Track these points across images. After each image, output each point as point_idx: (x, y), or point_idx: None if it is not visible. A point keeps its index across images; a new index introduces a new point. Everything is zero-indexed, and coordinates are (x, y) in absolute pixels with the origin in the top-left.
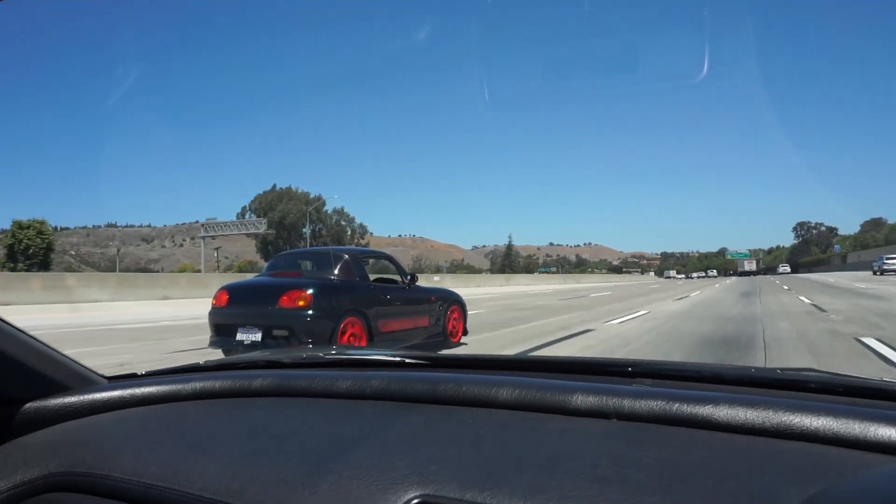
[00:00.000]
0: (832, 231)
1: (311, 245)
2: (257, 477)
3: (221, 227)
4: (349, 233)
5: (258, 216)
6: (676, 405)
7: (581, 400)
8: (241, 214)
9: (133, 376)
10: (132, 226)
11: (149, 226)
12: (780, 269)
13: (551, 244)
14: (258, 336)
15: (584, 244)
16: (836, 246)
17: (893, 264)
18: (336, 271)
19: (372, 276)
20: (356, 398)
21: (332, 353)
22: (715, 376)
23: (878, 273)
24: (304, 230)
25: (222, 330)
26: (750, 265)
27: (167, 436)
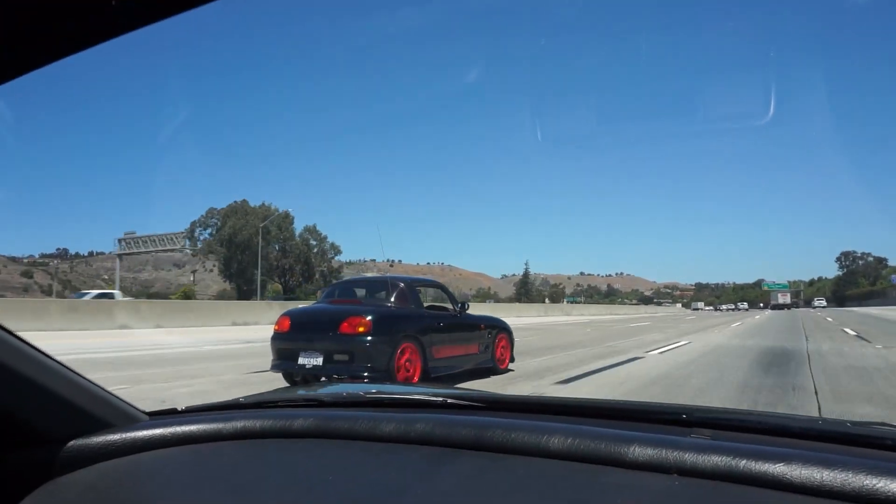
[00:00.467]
0: (881, 262)
1: (265, 263)
2: None
3: (141, 242)
4: (318, 253)
5: (212, 232)
6: (744, 462)
7: (638, 452)
8: (191, 231)
9: (172, 412)
10: (164, 250)
11: (179, 250)
12: (816, 303)
13: (582, 273)
14: (319, 360)
15: (616, 274)
16: (893, 276)
17: None
18: (392, 299)
19: (425, 304)
20: (400, 442)
21: (373, 393)
22: (778, 428)
23: None
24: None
25: (284, 354)
26: (784, 298)
27: (208, 479)
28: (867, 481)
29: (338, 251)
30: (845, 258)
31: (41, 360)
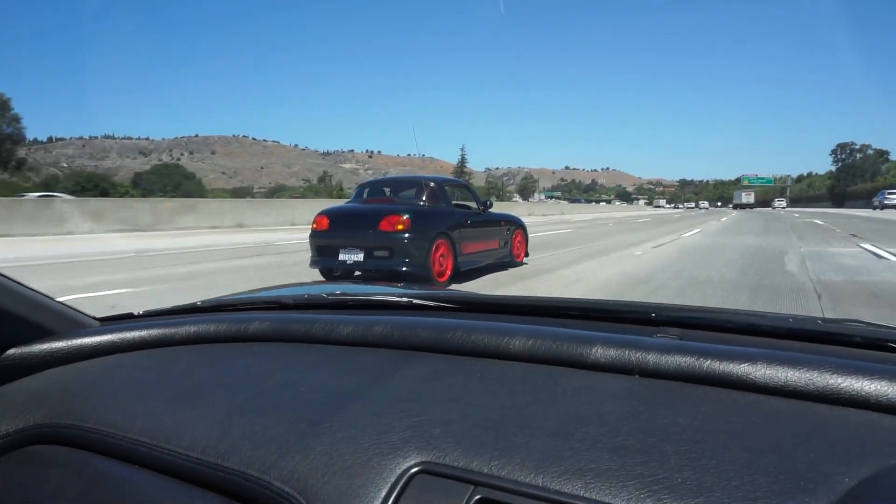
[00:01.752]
0: (882, 155)
1: None
2: (248, 434)
3: None
4: None
5: None
6: (708, 362)
7: (600, 353)
8: None
9: (128, 317)
10: (130, 138)
11: (147, 138)
12: (776, 203)
13: (567, 168)
14: (360, 256)
15: (602, 169)
16: None
17: (894, 199)
18: (425, 198)
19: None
20: (358, 345)
21: (337, 294)
22: (748, 327)
23: (878, 208)
24: None
25: (324, 251)
26: (748, 197)
27: (157, 385)
28: (831, 380)
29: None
30: (841, 150)
31: None
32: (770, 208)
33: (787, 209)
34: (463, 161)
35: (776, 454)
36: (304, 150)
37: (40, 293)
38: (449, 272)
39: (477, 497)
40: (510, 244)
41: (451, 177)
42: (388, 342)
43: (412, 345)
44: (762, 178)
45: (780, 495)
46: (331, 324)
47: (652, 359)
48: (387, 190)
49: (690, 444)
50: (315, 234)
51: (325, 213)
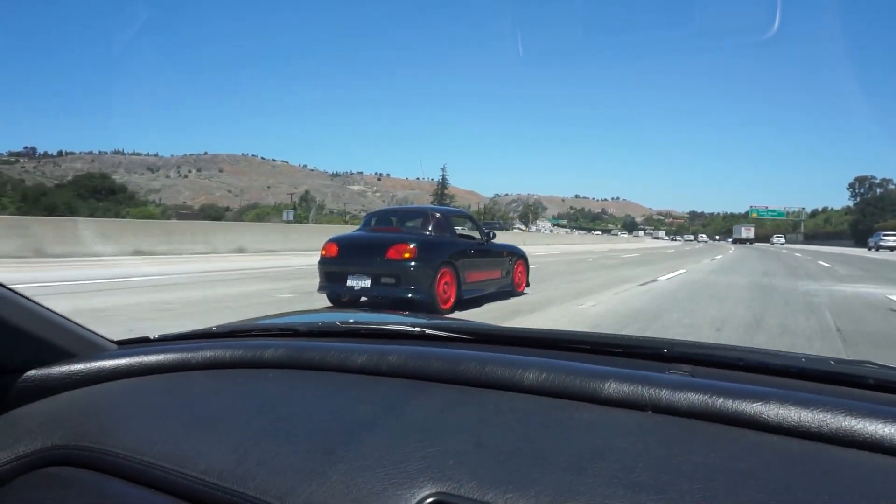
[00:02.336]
0: None
1: None
2: (264, 461)
3: None
4: None
5: None
6: (720, 400)
7: (613, 388)
8: None
9: (144, 341)
10: (139, 154)
11: (156, 155)
12: (774, 240)
13: (577, 196)
14: (367, 283)
15: (612, 198)
16: None
17: (890, 241)
18: (431, 228)
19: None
20: (372, 374)
21: (350, 322)
22: (759, 365)
23: (873, 249)
24: None
25: (333, 277)
26: (747, 232)
27: (174, 409)
28: (845, 422)
29: None
30: (859, 184)
31: None
32: (769, 244)
33: (787, 246)
34: (444, 182)
35: (789, 495)
36: (312, 170)
37: (59, 315)
38: (453, 300)
39: None
40: (512, 274)
41: (456, 208)
42: (402, 372)
43: (426, 375)
44: (773, 211)
45: None
46: (345, 352)
47: (665, 395)
48: (394, 219)
49: (704, 482)
50: (324, 261)
51: (334, 240)
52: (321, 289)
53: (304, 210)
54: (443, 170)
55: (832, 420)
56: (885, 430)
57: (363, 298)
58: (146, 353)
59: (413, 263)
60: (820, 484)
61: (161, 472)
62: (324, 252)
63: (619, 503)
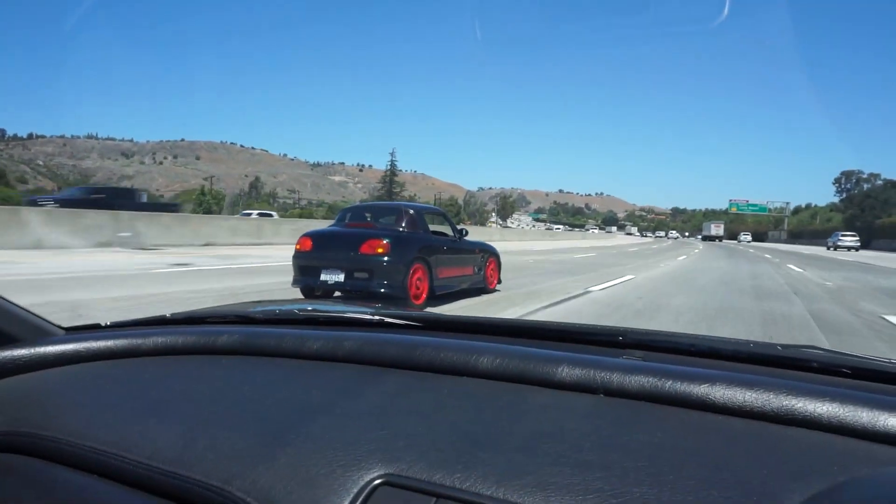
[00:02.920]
0: (892, 184)
1: None
2: (212, 446)
3: None
4: None
5: None
6: (669, 382)
7: (566, 372)
8: None
9: (94, 327)
10: (113, 139)
11: (131, 140)
12: (742, 237)
13: (561, 191)
14: (341, 277)
15: (596, 194)
16: None
17: (847, 241)
18: (404, 224)
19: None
20: (327, 360)
21: (308, 310)
22: (710, 350)
23: (831, 248)
24: None
25: (307, 271)
26: (717, 229)
27: (121, 396)
28: (786, 401)
29: None
30: (846, 179)
31: None
32: (736, 241)
33: (757, 245)
34: (392, 168)
35: (731, 471)
36: (292, 160)
37: (4, 299)
38: (425, 295)
39: None
40: (484, 271)
41: (429, 204)
42: (358, 358)
43: (381, 361)
44: (754, 206)
45: None
46: (300, 338)
47: (616, 378)
48: (368, 215)
49: (650, 460)
50: (298, 255)
51: (308, 234)
52: (295, 282)
53: (250, 199)
54: (391, 154)
55: (774, 400)
56: (824, 408)
57: (337, 293)
58: (94, 339)
59: (386, 258)
60: (760, 460)
61: (105, 458)
62: (298, 246)
63: (566, 481)
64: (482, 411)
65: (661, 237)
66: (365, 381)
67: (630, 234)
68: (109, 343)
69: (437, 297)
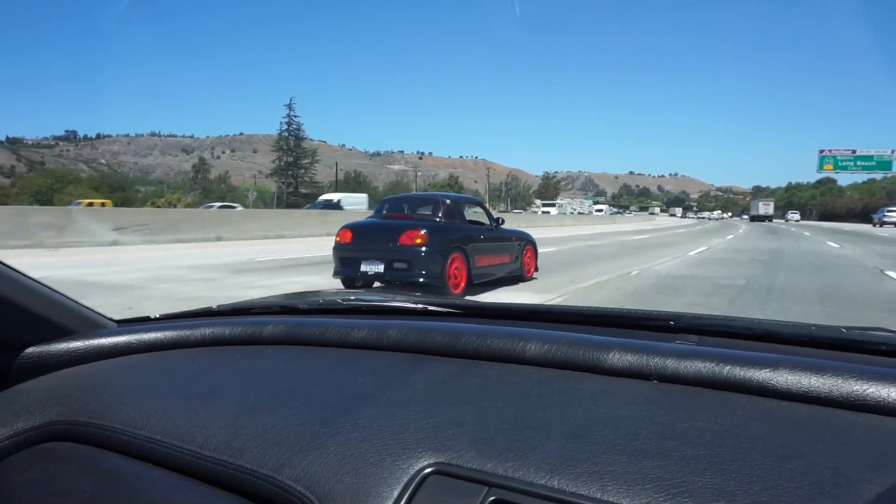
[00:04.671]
0: None
1: None
2: (261, 433)
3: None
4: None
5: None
6: (728, 367)
7: (618, 358)
8: None
9: (145, 320)
10: (174, 135)
11: (192, 136)
12: (789, 216)
13: (631, 173)
14: (381, 267)
15: (670, 175)
16: None
17: (894, 217)
18: (441, 214)
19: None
20: (372, 349)
21: (352, 300)
22: (768, 334)
23: (877, 225)
24: None
25: (347, 262)
26: (766, 208)
27: (172, 385)
28: (856, 386)
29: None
30: None
31: None
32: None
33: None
34: (291, 128)
35: (800, 459)
36: (350, 150)
37: (60, 293)
38: (463, 283)
39: (491, 499)
40: (521, 259)
41: (466, 195)
42: (403, 346)
43: (427, 349)
44: (865, 159)
45: (805, 500)
46: (345, 328)
47: (671, 364)
48: (405, 206)
49: (711, 448)
50: (338, 246)
51: (348, 226)
52: (336, 274)
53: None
54: (288, 106)
55: (843, 385)
56: None
57: (377, 284)
58: (145, 331)
59: (424, 249)
60: (830, 447)
61: (158, 447)
62: (338, 238)
63: (622, 469)
64: (531, 398)
65: (702, 218)
66: (411, 369)
67: (673, 215)
68: (159, 335)
69: (475, 286)
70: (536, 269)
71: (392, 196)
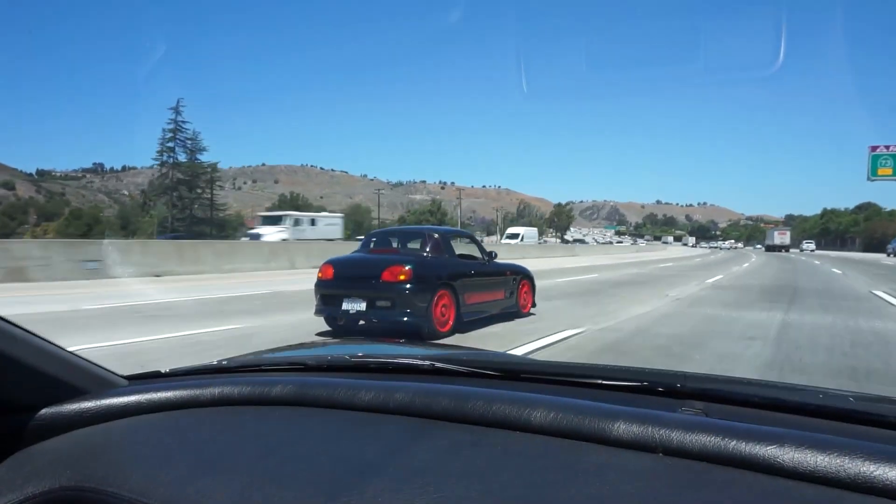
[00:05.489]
0: None
1: None
2: None
3: None
4: None
5: None
6: (734, 442)
7: (623, 429)
8: None
9: (155, 375)
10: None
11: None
12: (804, 246)
13: (658, 202)
14: (363, 306)
15: (698, 204)
16: None
17: None
18: (428, 249)
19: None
20: (379, 412)
21: (359, 356)
22: (776, 402)
23: (891, 255)
24: None
25: (328, 300)
26: (782, 237)
27: (180, 450)
28: (863, 467)
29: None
30: None
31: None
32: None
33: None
34: (177, 137)
35: None
36: (372, 180)
37: (70, 352)
38: (451, 322)
39: None
40: (516, 294)
41: (457, 228)
42: (409, 410)
43: (433, 413)
44: None
45: None
46: (353, 389)
47: (676, 437)
48: (392, 240)
49: None
50: (320, 284)
51: (330, 262)
52: (318, 312)
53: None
54: (175, 109)
55: (850, 465)
56: None
57: (361, 322)
58: (156, 390)
59: (408, 286)
60: None
61: None
62: (320, 275)
63: None
64: (535, 472)
65: (714, 247)
66: (417, 437)
67: (686, 244)
68: (170, 394)
69: (465, 324)
70: (534, 305)
71: (381, 230)
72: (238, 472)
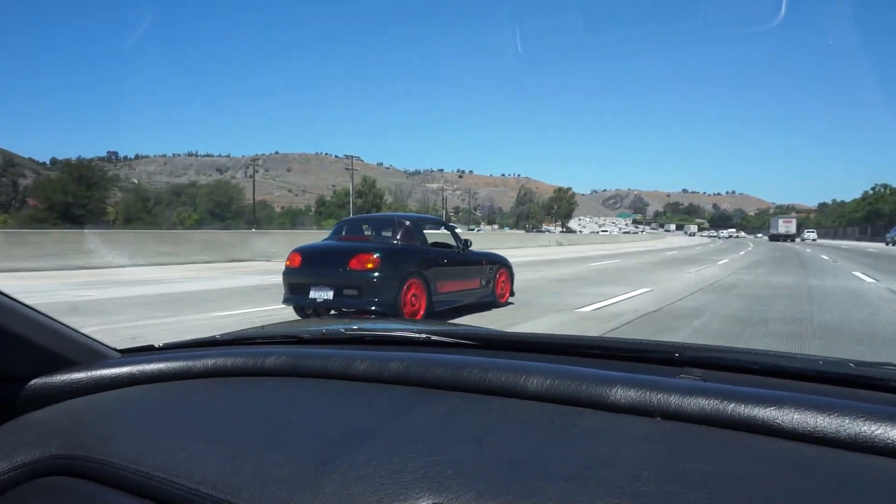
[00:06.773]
0: None
1: None
2: (259, 472)
3: None
4: None
5: None
6: (732, 405)
7: (621, 394)
8: None
9: (148, 349)
10: (211, 155)
11: (227, 156)
12: (806, 234)
13: (684, 191)
14: (330, 294)
15: (727, 192)
16: None
17: None
18: (399, 237)
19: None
20: (374, 381)
21: (354, 329)
22: (775, 368)
23: (890, 244)
24: None
25: (296, 289)
26: (787, 225)
27: (172, 418)
28: (864, 427)
29: None
30: None
31: None
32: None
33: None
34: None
35: (804, 503)
36: (387, 168)
37: (63, 324)
38: (422, 311)
39: None
40: (493, 283)
41: (431, 215)
42: (404, 379)
43: (428, 382)
44: None
45: None
46: (347, 359)
47: (674, 401)
48: (363, 227)
49: (713, 492)
50: (288, 272)
51: (298, 250)
52: (285, 300)
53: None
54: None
55: (850, 425)
56: None
57: (332, 312)
58: (148, 362)
59: (376, 274)
60: (837, 491)
61: (156, 483)
62: (288, 263)
63: None
64: (532, 436)
65: (713, 236)
66: (412, 404)
67: (693, 234)
68: (162, 366)
69: (438, 313)
70: (512, 294)
71: (352, 217)
72: (231, 439)
